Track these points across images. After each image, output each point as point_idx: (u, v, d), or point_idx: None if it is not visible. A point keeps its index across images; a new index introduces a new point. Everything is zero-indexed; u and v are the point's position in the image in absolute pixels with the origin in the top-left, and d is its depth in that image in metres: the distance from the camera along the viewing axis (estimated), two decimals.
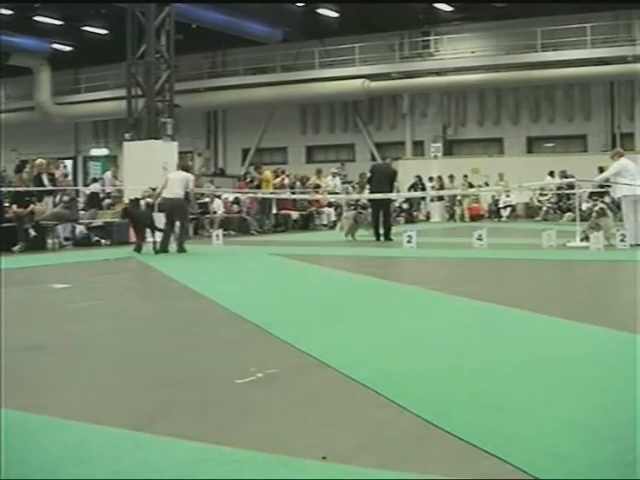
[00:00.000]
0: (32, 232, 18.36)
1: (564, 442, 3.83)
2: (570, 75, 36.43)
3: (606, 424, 4.17)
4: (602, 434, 3.99)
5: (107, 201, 25.30)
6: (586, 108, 38.88)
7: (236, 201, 26.81)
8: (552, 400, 4.63)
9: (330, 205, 30.10)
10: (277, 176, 28.70)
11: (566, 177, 27.64)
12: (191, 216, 23.69)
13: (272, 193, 26.82)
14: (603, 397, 4.68)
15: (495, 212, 34.66)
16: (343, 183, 33.81)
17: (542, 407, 4.48)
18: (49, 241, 18.97)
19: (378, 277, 10.22)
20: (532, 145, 40.61)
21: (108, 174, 28.23)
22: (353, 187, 32.57)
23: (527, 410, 4.43)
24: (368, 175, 22.11)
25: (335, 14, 40.69)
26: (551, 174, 31.93)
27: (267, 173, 28.14)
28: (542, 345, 6.32)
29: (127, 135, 25.46)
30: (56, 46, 45.15)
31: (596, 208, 18.11)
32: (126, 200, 21.99)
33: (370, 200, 21.46)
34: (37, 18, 40.56)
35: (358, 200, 26.64)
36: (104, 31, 42.49)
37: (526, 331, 6.99)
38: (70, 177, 30.74)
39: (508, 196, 34.02)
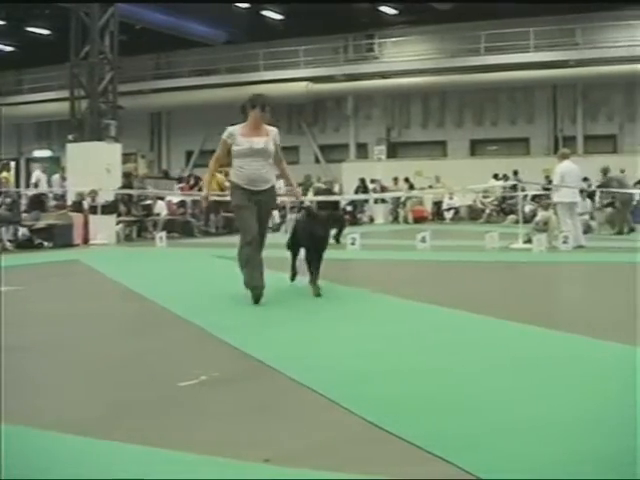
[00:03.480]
0: None
1: (514, 443, 3.89)
2: (514, 79, 36.78)
3: (559, 423, 4.23)
4: (555, 433, 4.06)
5: (53, 203, 25.03)
6: (529, 111, 39.25)
7: (181, 203, 26.65)
8: (503, 401, 4.70)
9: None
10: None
11: (518, 178, 27.84)
12: (133, 218, 23.54)
13: (217, 195, 26.66)
14: (555, 398, 4.77)
15: (439, 214, 34.87)
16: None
17: (494, 409, 4.54)
18: None
19: (324, 280, 10.19)
20: (475, 148, 40.90)
21: (56, 176, 27.95)
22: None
23: (478, 412, 4.48)
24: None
25: (280, 16, 40.63)
26: (495, 177, 32.21)
27: (219, 176, 28.04)
28: (492, 347, 6.40)
29: (70, 137, 25.22)
30: None
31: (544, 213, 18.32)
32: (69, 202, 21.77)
33: (319, 202, 21.46)
34: None
35: (302, 202, 26.59)
36: (47, 32, 41.93)
37: (475, 333, 7.05)
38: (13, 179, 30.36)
39: (451, 198, 34.26)
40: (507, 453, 3.76)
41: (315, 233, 9.12)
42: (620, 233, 20.32)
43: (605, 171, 23.27)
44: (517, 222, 21.84)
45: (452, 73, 37.69)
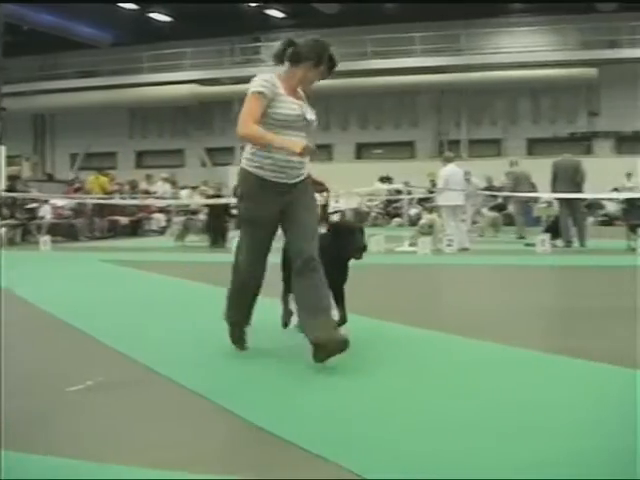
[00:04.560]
0: None
1: (406, 445, 3.95)
2: (399, 83, 37.26)
3: (446, 423, 4.31)
4: (445, 435, 4.13)
5: None
6: (414, 115, 39.82)
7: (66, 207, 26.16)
8: (397, 407, 4.72)
9: (160, 211, 29.72)
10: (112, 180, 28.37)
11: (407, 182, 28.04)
12: (16, 222, 23.02)
13: (102, 199, 26.29)
14: (440, 398, 4.85)
15: (324, 217, 34.88)
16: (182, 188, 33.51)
17: (386, 414, 4.57)
18: None
19: (211, 283, 10.09)
20: (361, 151, 41.28)
21: None
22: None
23: (368, 416, 4.52)
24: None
25: (167, 18, 40.33)
26: (381, 180, 32.48)
27: (103, 178, 27.71)
28: (380, 350, 6.43)
29: None
30: None
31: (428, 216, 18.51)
32: None
33: (208, 206, 21.31)
34: None
35: (188, 205, 26.41)
36: None
37: (367, 335, 7.05)
38: None
39: (337, 202, 34.37)
40: (402, 455, 3.81)
41: (344, 250, 6.49)
42: (522, 237, 20.35)
43: (512, 164, 22.49)
44: (402, 225, 22.07)
45: (338, 77, 37.90)
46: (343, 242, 6.42)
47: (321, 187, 6.46)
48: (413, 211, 25.48)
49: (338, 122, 41.02)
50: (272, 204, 5.92)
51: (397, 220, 29.07)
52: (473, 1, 34.79)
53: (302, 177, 6.05)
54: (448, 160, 18.22)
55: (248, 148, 6.08)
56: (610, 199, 28.36)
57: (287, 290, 6.92)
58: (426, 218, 18.71)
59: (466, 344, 6.58)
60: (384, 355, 6.17)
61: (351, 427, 4.24)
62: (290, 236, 6.07)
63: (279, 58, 6.07)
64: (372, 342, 6.64)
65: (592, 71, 35.86)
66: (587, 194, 18.87)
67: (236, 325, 6.38)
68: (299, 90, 6.12)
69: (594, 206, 28.41)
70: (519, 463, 3.61)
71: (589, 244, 17.57)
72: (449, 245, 17.01)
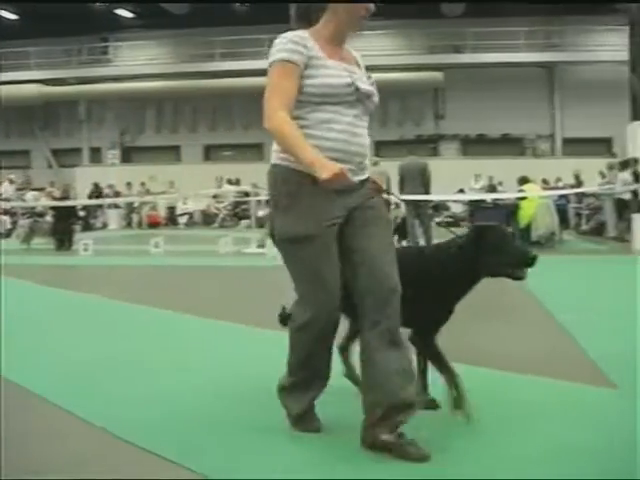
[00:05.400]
0: None
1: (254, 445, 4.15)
2: (248, 85, 37.32)
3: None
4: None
5: None
6: (262, 118, 39.90)
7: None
8: (243, 409, 4.89)
9: (6, 213, 29.08)
10: None
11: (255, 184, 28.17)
12: None
13: None
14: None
15: (172, 219, 34.84)
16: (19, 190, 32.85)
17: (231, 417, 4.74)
18: None
19: (59, 287, 10.04)
20: (210, 153, 41.26)
21: None
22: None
23: (211, 419, 4.68)
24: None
25: (14, 16, 39.33)
26: (229, 182, 32.55)
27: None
28: (245, 353, 6.64)
29: None
30: None
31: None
32: None
33: (53, 208, 21.04)
34: None
35: (34, 208, 25.98)
36: None
37: (224, 340, 7.29)
38: None
39: (185, 203, 34.33)
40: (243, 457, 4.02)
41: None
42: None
43: (374, 163, 22.36)
44: (251, 227, 22.25)
45: (187, 78, 37.90)
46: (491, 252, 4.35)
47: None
48: (261, 213, 25.63)
49: (186, 124, 40.88)
50: (331, 213, 4.05)
51: (245, 222, 29.20)
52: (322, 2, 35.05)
53: (364, 177, 4.23)
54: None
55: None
56: (455, 201, 29.28)
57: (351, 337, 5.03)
58: None
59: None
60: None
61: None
62: (357, 269, 4.08)
63: (305, 16, 4.29)
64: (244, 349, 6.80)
65: (438, 75, 36.86)
66: (433, 196, 19.35)
67: (306, 413, 4.34)
68: (347, 49, 4.32)
69: (440, 207, 29.25)
70: None
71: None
72: None
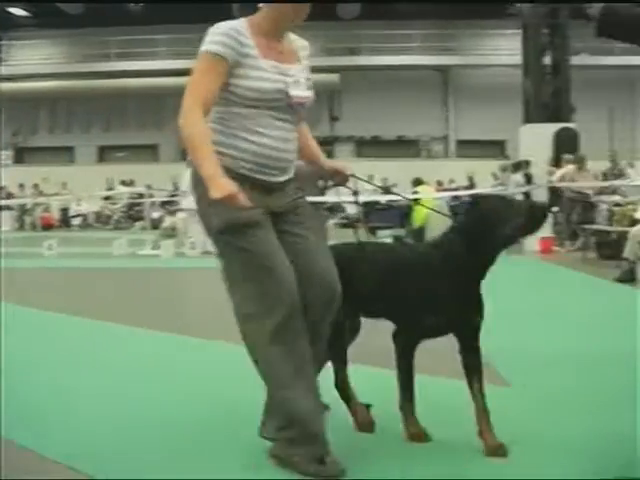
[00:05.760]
0: None
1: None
2: (143, 85, 37.01)
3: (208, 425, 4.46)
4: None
5: None
6: (159, 118, 39.58)
7: None
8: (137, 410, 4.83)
9: None
10: None
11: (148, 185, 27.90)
12: None
13: None
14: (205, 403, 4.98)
15: (65, 221, 34.30)
16: None
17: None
18: None
19: None
20: (104, 154, 40.75)
21: None
22: None
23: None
24: None
25: None
26: (123, 183, 32.19)
27: None
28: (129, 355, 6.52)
29: None
30: None
31: (171, 219, 18.52)
32: None
33: None
34: None
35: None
36: None
37: (117, 343, 7.16)
38: None
39: (79, 205, 33.82)
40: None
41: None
42: None
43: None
44: (145, 228, 22.04)
45: (81, 78, 37.35)
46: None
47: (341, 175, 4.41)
48: (156, 214, 25.41)
49: (80, 124, 40.27)
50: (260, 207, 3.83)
51: (140, 223, 28.92)
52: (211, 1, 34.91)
53: (289, 177, 4.04)
54: (190, 164, 18.28)
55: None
56: (350, 202, 29.42)
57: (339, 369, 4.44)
58: (169, 221, 18.77)
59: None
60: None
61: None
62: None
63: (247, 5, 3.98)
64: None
65: (334, 77, 37.01)
66: (329, 197, 19.44)
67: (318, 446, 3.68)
68: (290, 40, 4.07)
69: (335, 209, 29.38)
70: None
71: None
72: (192, 248, 17.13)
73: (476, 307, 4.01)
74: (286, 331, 3.64)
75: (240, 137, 3.82)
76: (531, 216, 3.87)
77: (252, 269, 3.72)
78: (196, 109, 3.69)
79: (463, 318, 3.97)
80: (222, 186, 3.53)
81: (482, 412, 3.92)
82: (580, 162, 17.72)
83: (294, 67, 3.92)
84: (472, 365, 3.98)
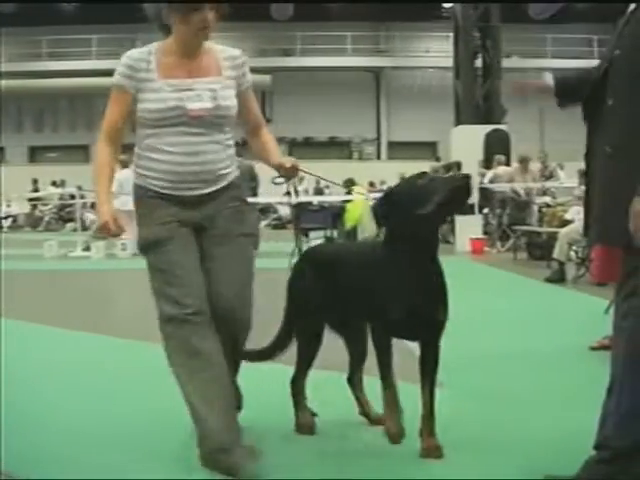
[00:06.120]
0: None
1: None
2: (75, 85, 36.71)
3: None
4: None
5: None
6: (90, 119, 39.24)
7: None
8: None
9: None
10: None
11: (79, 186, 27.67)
12: None
13: None
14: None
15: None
16: None
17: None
18: None
19: None
20: (35, 154, 40.32)
21: None
22: None
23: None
24: None
25: None
26: (54, 184, 31.89)
27: None
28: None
29: None
30: None
31: None
32: None
33: None
34: None
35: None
36: None
37: (46, 345, 7.18)
38: None
39: (9, 206, 33.41)
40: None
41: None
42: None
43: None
44: (76, 230, 21.89)
45: (12, 78, 36.89)
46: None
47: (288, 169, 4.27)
48: (87, 215, 25.21)
49: (11, 124, 39.78)
50: (174, 222, 3.98)
51: (71, 225, 28.63)
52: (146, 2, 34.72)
53: (216, 188, 4.04)
54: (123, 164, 18.19)
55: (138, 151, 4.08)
56: (281, 203, 29.53)
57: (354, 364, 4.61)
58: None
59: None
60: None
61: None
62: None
63: (160, 26, 4.04)
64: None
65: (266, 78, 37.03)
66: (260, 198, 19.46)
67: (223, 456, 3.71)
68: (213, 52, 4.09)
69: (268, 210, 29.48)
70: None
71: (262, 246, 18.05)
72: (123, 249, 17.07)
73: (438, 298, 4.05)
74: (192, 329, 3.80)
75: (150, 157, 3.94)
76: (452, 189, 3.76)
77: (160, 279, 3.92)
78: (102, 139, 3.97)
79: (426, 307, 3.98)
80: (101, 215, 3.92)
81: (428, 413, 3.96)
82: (524, 162, 17.79)
83: (205, 80, 3.95)
84: (429, 364, 4.04)
